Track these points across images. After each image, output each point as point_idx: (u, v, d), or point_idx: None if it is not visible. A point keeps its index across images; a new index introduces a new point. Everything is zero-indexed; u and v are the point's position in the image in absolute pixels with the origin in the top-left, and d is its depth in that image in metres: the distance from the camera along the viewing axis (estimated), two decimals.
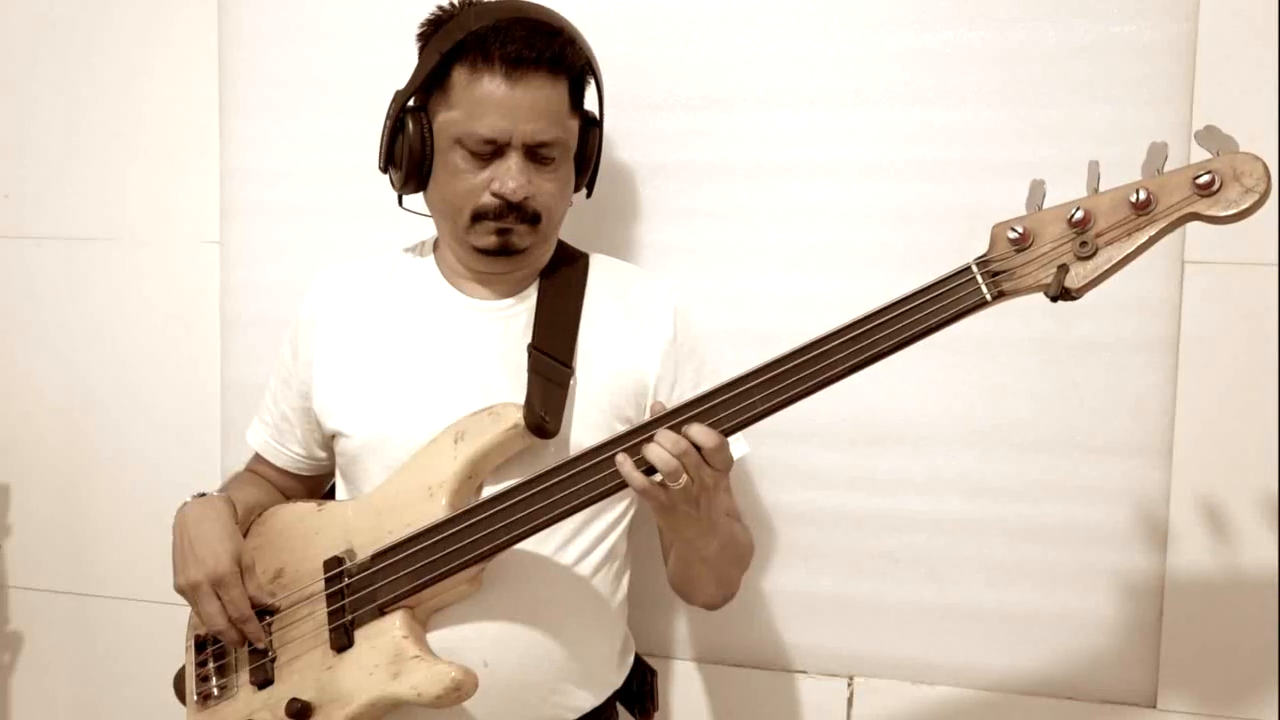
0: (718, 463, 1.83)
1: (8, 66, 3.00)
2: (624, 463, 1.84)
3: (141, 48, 2.90)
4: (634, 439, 1.86)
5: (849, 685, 2.58)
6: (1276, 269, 2.27)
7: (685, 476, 1.80)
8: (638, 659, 2.36)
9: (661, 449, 1.81)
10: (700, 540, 1.97)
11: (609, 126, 2.42)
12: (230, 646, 2.13)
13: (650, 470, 1.82)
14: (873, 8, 2.47)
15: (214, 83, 2.85)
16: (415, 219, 2.26)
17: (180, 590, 2.09)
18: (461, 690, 1.91)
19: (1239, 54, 2.27)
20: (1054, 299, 1.69)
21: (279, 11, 2.79)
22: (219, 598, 2.05)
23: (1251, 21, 2.27)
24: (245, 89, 2.83)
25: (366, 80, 2.64)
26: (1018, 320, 2.33)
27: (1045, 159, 2.31)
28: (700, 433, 1.81)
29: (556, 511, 1.91)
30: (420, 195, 2.19)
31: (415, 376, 2.15)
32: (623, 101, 2.50)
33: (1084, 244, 1.68)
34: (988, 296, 1.73)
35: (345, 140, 2.70)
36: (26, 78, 2.99)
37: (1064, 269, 1.69)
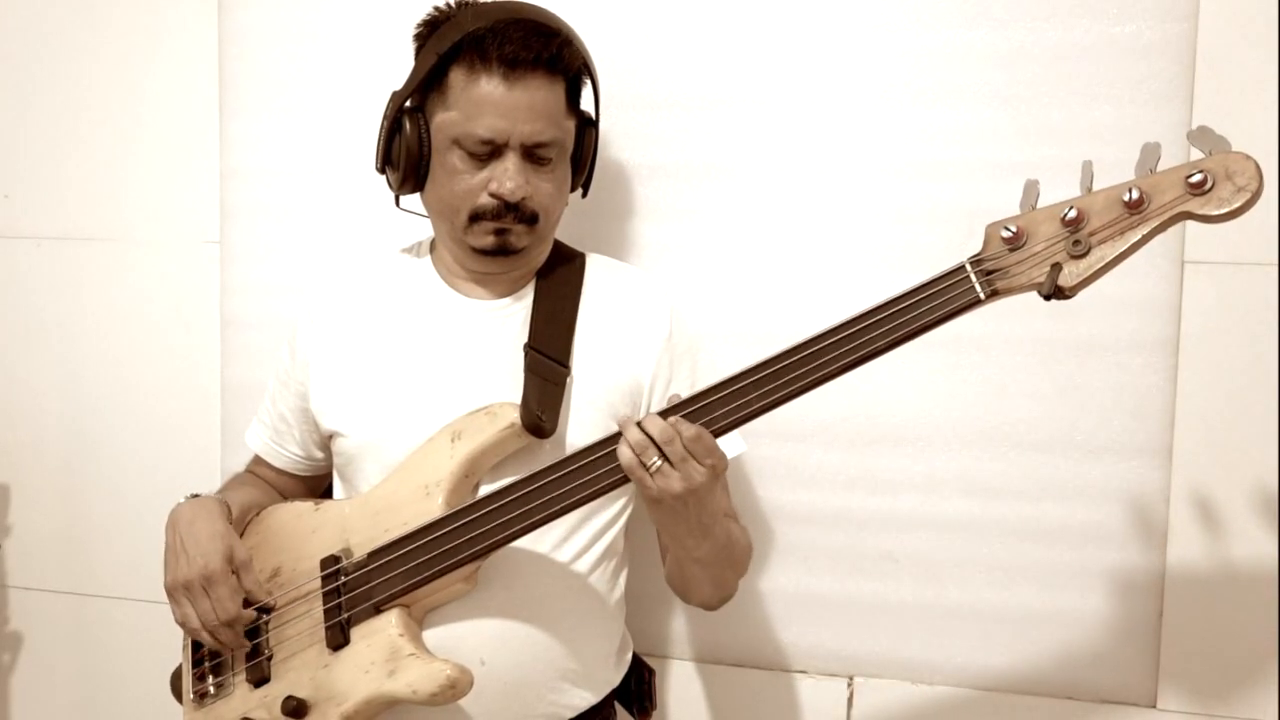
0: (699, 452, 1.82)
1: (8, 67, 3.01)
2: (621, 438, 1.85)
3: (141, 48, 2.90)
4: None
5: (849, 685, 2.58)
6: (1276, 269, 2.27)
7: (658, 460, 1.81)
8: (636, 658, 2.36)
9: (637, 428, 1.83)
10: (691, 540, 1.97)
11: (608, 126, 2.43)
12: (218, 648, 2.14)
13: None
14: (873, 8, 2.46)
15: (214, 83, 2.85)
16: (415, 219, 2.26)
17: (170, 589, 2.09)
18: (457, 688, 1.91)
19: (1239, 54, 2.27)
20: (1047, 297, 1.69)
21: (279, 12, 2.79)
22: (209, 597, 2.05)
23: (1251, 21, 2.27)
24: (245, 89, 2.83)
25: (366, 81, 2.65)
26: (1018, 320, 2.34)
27: (1045, 159, 2.31)
28: (682, 424, 1.83)
29: (552, 509, 1.92)
30: (417, 195, 2.20)
31: (412, 377, 2.15)
32: (622, 101, 2.51)
33: (1077, 243, 1.68)
34: (981, 295, 1.73)
35: (345, 140, 2.70)
36: (27, 78, 3.00)
37: (1057, 267, 1.69)
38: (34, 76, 2.99)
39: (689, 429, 1.82)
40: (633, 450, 1.83)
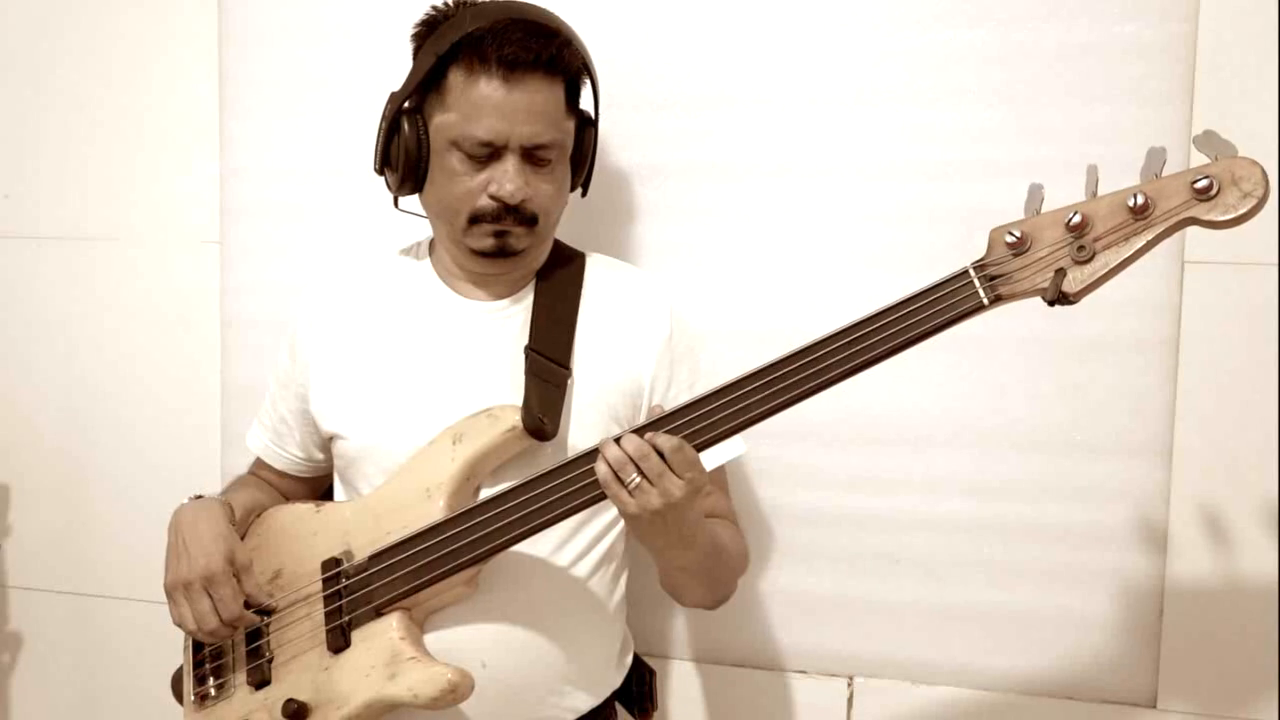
0: (679, 465, 1.81)
1: (8, 67, 3.01)
2: (599, 455, 1.85)
3: (141, 48, 2.90)
4: None
5: (849, 685, 2.58)
6: (1276, 269, 2.27)
7: (637, 476, 1.81)
8: (637, 659, 2.36)
9: (615, 446, 1.83)
10: (671, 552, 1.96)
11: (609, 126, 2.42)
12: (222, 646, 2.14)
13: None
14: (873, 8, 2.46)
15: (214, 83, 2.85)
16: (415, 219, 2.25)
17: (170, 589, 2.09)
18: (457, 692, 1.91)
19: (1239, 54, 2.27)
20: (1051, 303, 1.68)
21: (279, 12, 2.78)
22: (210, 597, 2.06)
23: (1251, 21, 2.26)
24: (245, 89, 2.83)
25: (366, 80, 2.63)
26: (1018, 320, 2.31)
27: (1045, 159, 2.32)
28: (662, 439, 1.82)
29: (553, 513, 1.91)
30: (416, 196, 2.19)
31: (412, 379, 2.15)
32: (623, 101, 2.50)
33: (1081, 248, 1.67)
34: (985, 300, 1.72)
35: (345, 140, 2.70)
36: (27, 78, 2.99)
37: (1061, 273, 1.68)
38: (34, 76, 2.98)
39: (669, 441, 1.82)
40: (610, 467, 1.83)
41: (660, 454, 1.81)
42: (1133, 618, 2.42)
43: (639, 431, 1.84)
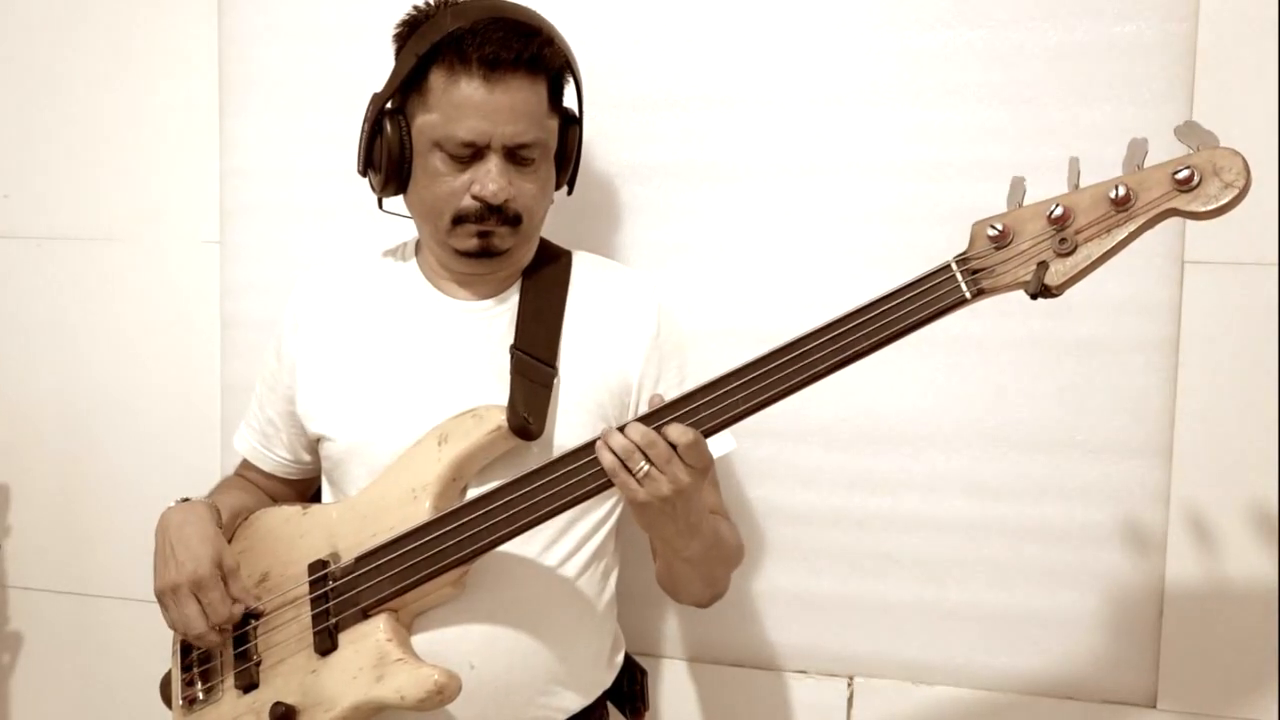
0: (692, 459, 1.81)
1: (9, 67, 3.02)
2: (601, 445, 1.84)
3: (141, 48, 2.91)
4: None
5: (849, 685, 2.58)
6: (1276, 269, 2.26)
7: (645, 465, 1.80)
8: (628, 658, 2.36)
9: (622, 436, 1.82)
10: (679, 540, 1.95)
11: (600, 125, 2.43)
12: (210, 649, 2.14)
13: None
14: (873, 8, 2.46)
15: (213, 83, 2.85)
16: (413, 220, 2.25)
17: (159, 594, 2.10)
18: (444, 693, 1.91)
19: (1239, 54, 2.26)
20: (1034, 296, 1.67)
21: (278, 12, 2.79)
22: (198, 601, 2.05)
23: (1251, 21, 2.26)
24: (245, 89, 2.84)
25: (366, 81, 2.61)
26: (1017, 320, 2.34)
27: (1045, 159, 2.27)
28: (676, 431, 1.81)
29: (541, 512, 1.90)
30: (400, 197, 2.19)
31: (398, 379, 2.14)
32: (619, 101, 2.51)
33: (1063, 241, 1.67)
34: (967, 294, 1.72)
35: (345, 140, 2.65)
36: (27, 78, 3.00)
37: (1043, 266, 1.67)
38: (34, 76, 2.99)
39: (675, 430, 1.81)
40: (617, 456, 1.82)
41: (672, 445, 1.81)
42: (1132, 618, 2.41)
43: (646, 418, 1.85)
